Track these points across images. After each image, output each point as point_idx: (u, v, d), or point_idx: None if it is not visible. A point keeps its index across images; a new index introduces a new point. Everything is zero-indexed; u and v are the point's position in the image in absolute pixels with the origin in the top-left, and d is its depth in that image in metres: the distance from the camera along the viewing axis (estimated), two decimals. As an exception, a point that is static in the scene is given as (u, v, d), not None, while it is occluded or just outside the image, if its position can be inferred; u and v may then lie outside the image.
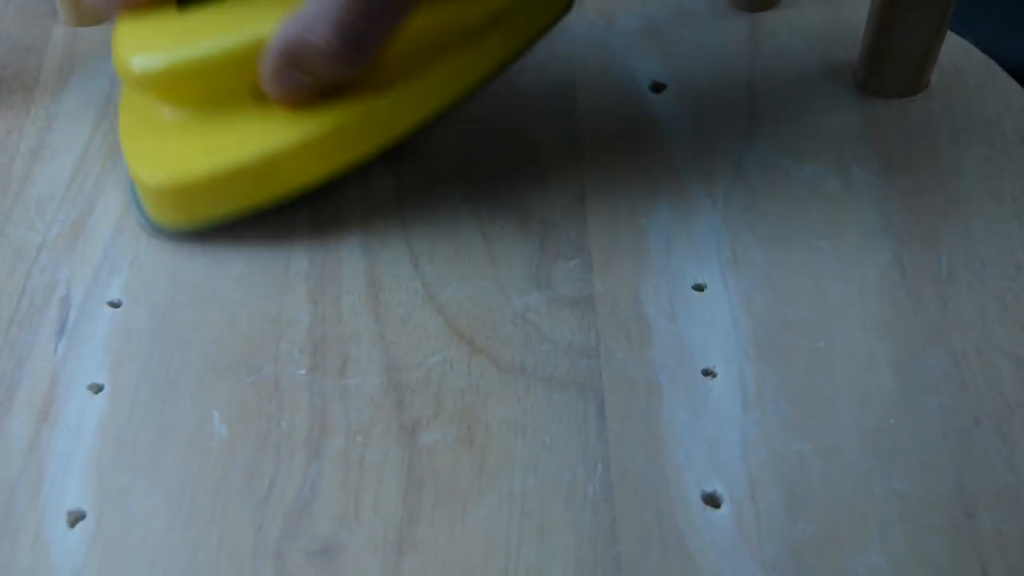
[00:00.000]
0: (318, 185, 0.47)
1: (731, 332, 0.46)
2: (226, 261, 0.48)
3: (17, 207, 0.50)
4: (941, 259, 0.48)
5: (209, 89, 0.46)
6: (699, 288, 0.47)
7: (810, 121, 0.54)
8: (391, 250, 0.48)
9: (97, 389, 0.44)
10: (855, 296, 0.47)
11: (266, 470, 0.42)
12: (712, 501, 0.41)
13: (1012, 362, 0.45)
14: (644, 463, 0.42)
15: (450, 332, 0.46)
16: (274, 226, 0.49)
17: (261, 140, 0.46)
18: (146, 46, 0.45)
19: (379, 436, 0.43)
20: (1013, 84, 0.56)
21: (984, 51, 0.58)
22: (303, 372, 0.44)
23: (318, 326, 0.46)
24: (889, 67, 0.54)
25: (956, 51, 0.57)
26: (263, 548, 0.39)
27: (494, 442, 0.42)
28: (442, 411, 0.43)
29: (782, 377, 0.44)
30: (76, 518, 0.40)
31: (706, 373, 0.45)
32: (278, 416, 0.43)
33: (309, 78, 0.44)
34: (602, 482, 0.41)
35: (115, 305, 0.47)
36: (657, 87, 0.55)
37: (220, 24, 0.45)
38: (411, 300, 0.47)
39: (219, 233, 0.49)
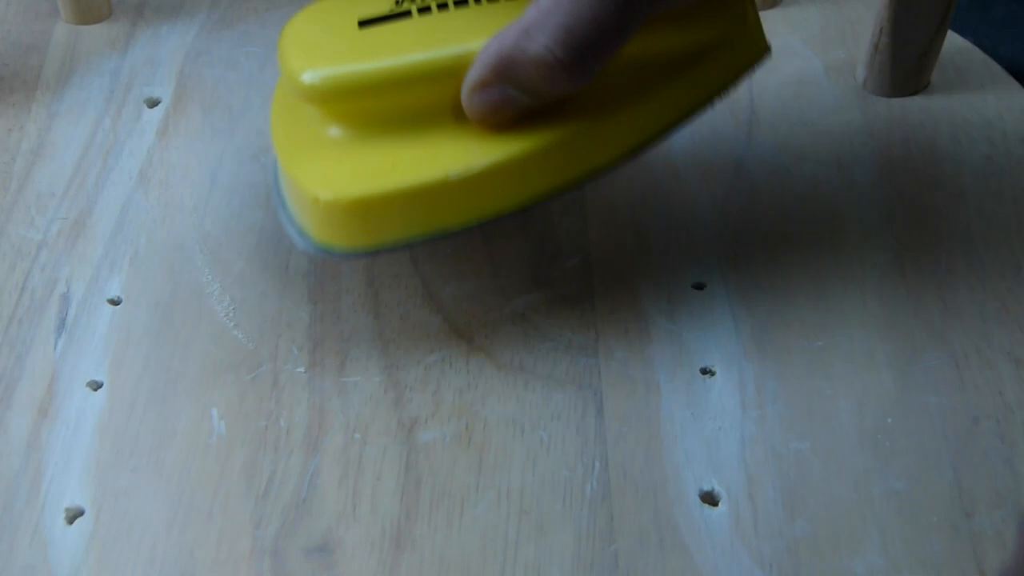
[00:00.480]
0: (504, 214, 0.43)
1: (730, 331, 0.46)
2: (226, 259, 0.48)
3: (18, 205, 0.50)
4: (941, 259, 0.48)
5: (389, 107, 0.42)
6: (699, 287, 0.47)
7: (810, 121, 0.54)
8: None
9: (96, 386, 0.44)
10: (855, 296, 0.47)
11: (264, 467, 0.42)
12: (710, 499, 0.41)
13: (1011, 362, 0.45)
14: (642, 461, 0.42)
15: (449, 330, 0.46)
16: (274, 224, 0.49)
17: (448, 160, 0.42)
18: (322, 57, 0.42)
19: (378, 434, 0.43)
20: (1013, 84, 0.56)
21: (984, 51, 0.58)
22: (302, 370, 0.44)
23: (317, 324, 0.46)
24: (889, 67, 0.54)
25: (956, 51, 0.57)
26: (261, 545, 0.40)
27: (492, 440, 0.42)
28: (440, 409, 0.43)
29: (781, 376, 0.44)
30: (75, 515, 0.40)
31: (705, 372, 0.45)
32: (277, 414, 0.43)
33: (521, 95, 0.40)
34: (600, 480, 0.41)
35: (115, 303, 0.47)
36: (657, 86, 0.55)
37: (402, 38, 0.42)
38: (410, 298, 0.47)
39: (219, 232, 0.49)
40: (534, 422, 0.43)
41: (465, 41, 0.41)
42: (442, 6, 0.42)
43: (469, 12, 0.42)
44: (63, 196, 0.51)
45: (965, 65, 0.57)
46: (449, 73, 0.41)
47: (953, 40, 0.58)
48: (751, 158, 0.52)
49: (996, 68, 0.57)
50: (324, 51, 0.42)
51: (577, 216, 0.50)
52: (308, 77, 0.41)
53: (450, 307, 0.47)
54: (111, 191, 0.51)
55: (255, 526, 0.40)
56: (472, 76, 0.40)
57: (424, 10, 0.42)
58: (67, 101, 0.55)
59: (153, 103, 0.55)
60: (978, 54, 0.58)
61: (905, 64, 0.54)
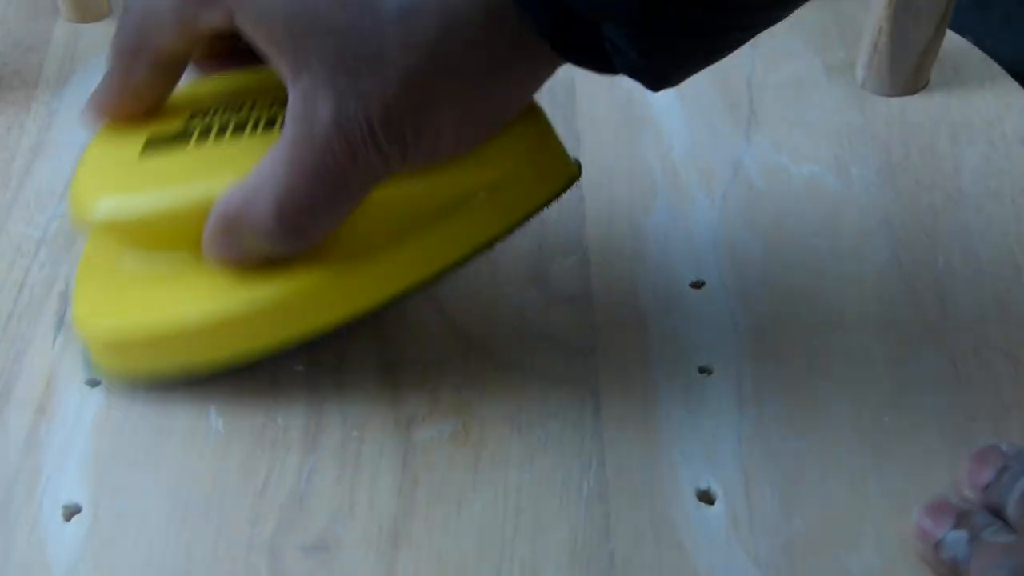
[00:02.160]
0: (271, 355, 0.42)
1: (728, 330, 0.46)
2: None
3: (17, 203, 0.50)
4: (939, 258, 0.48)
5: (163, 240, 0.41)
6: (697, 286, 0.47)
7: (809, 120, 0.54)
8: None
9: (94, 384, 0.44)
10: (853, 295, 0.47)
11: (262, 465, 0.42)
12: (706, 498, 0.41)
13: (1009, 362, 0.45)
14: (639, 460, 0.42)
15: (447, 328, 0.46)
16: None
17: (206, 301, 0.41)
18: (103, 188, 0.41)
19: (375, 432, 0.43)
20: (1013, 84, 0.56)
21: (984, 51, 0.58)
22: (300, 368, 0.44)
23: (316, 322, 0.46)
24: (888, 67, 0.54)
25: (956, 51, 0.57)
26: (258, 542, 0.40)
27: (490, 438, 0.42)
28: (438, 407, 0.43)
29: (778, 375, 0.44)
30: (72, 512, 0.40)
31: (702, 370, 0.45)
32: (274, 411, 0.43)
33: (247, 251, 0.39)
34: (597, 478, 0.41)
35: (114, 300, 0.47)
36: (657, 86, 0.55)
37: (170, 172, 0.40)
38: (408, 296, 0.47)
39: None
40: (531, 420, 0.43)
41: (222, 180, 0.39)
42: (221, 131, 0.40)
43: (240, 144, 0.40)
44: (63, 194, 0.51)
45: (965, 65, 0.57)
46: (201, 215, 0.39)
47: (953, 40, 0.58)
48: (750, 157, 0.53)
49: (996, 68, 0.57)
50: (102, 175, 0.41)
51: (575, 214, 0.50)
52: (75, 201, 0.41)
53: (448, 305, 0.47)
54: (111, 189, 0.51)
55: (252, 524, 0.40)
56: (207, 232, 0.39)
57: (204, 134, 0.40)
58: (67, 99, 0.55)
59: (153, 102, 0.55)
60: (978, 54, 0.58)
61: (904, 64, 0.54)
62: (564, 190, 0.42)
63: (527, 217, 0.41)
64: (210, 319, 0.41)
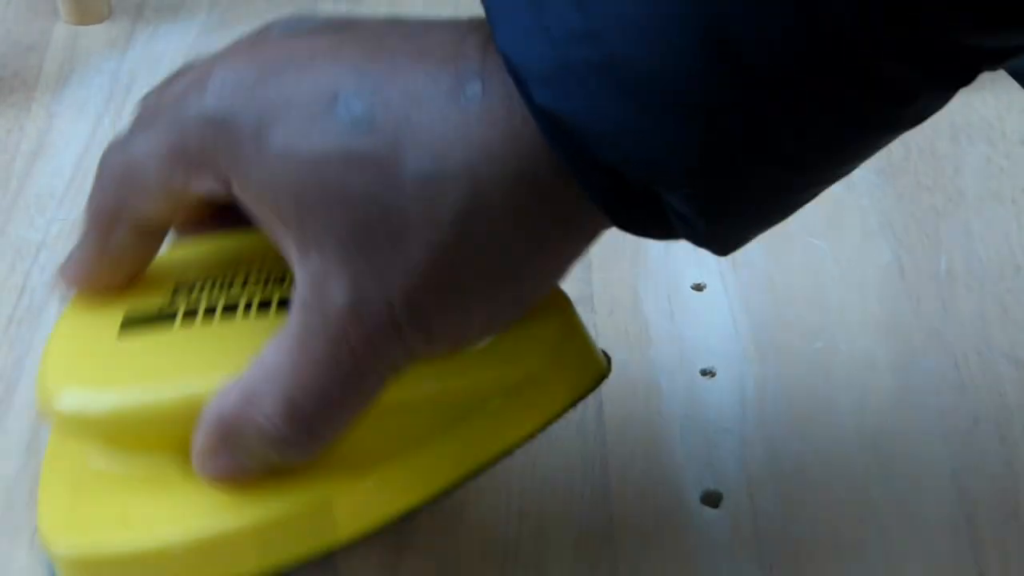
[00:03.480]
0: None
1: (730, 332, 0.46)
2: (226, 260, 0.48)
3: (18, 205, 0.50)
4: (940, 260, 0.49)
5: (140, 440, 0.35)
6: (698, 288, 0.47)
7: (810, 121, 0.54)
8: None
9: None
10: (854, 297, 0.47)
11: (264, 469, 0.42)
12: (710, 501, 0.41)
13: (1011, 364, 0.45)
14: (642, 463, 0.42)
15: (449, 331, 0.46)
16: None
17: (192, 516, 0.34)
18: (73, 376, 0.35)
19: (377, 435, 0.42)
20: (1013, 84, 0.56)
21: (985, 52, 0.58)
22: (302, 371, 0.44)
23: (317, 325, 0.46)
24: (889, 67, 0.54)
25: (957, 52, 0.57)
26: (261, 547, 0.39)
27: (492, 441, 0.42)
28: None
29: (781, 377, 0.44)
30: (74, 516, 0.40)
31: (705, 373, 0.45)
32: (277, 415, 0.43)
33: (249, 461, 0.33)
34: (600, 482, 0.41)
35: (115, 303, 0.47)
36: (657, 87, 0.55)
37: (163, 363, 0.35)
38: (410, 299, 0.47)
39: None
40: (534, 423, 0.43)
41: (208, 380, 0.34)
42: (209, 312, 0.35)
43: (232, 330, 0.35)
44: (63, 197, 0.51)
45: (965, 65, 0.57)
46: (186, 414, 0.34)
47: (953, 40, 0.58)
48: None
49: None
50: (73, 359, 0.36)
51: (577, 217, 0.50)
52: (41, 387, 0.35)
53: (450, 308, 0.46)
54: (111, 192, 0.51)
55: (255, 527, 0.40)
56: (198, 441, 0.33)
57: (190, 315, 0.35)
58: (67, 101, 0.55)
59: (153, 103, 0.55)
60: (978, 54, 0.58)
61: (905, 64, 0.54)
62: (592, 390, 0.37)
63: (550, 421, 0.36)
64: (197, 539, 0.34)
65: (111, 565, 0.35)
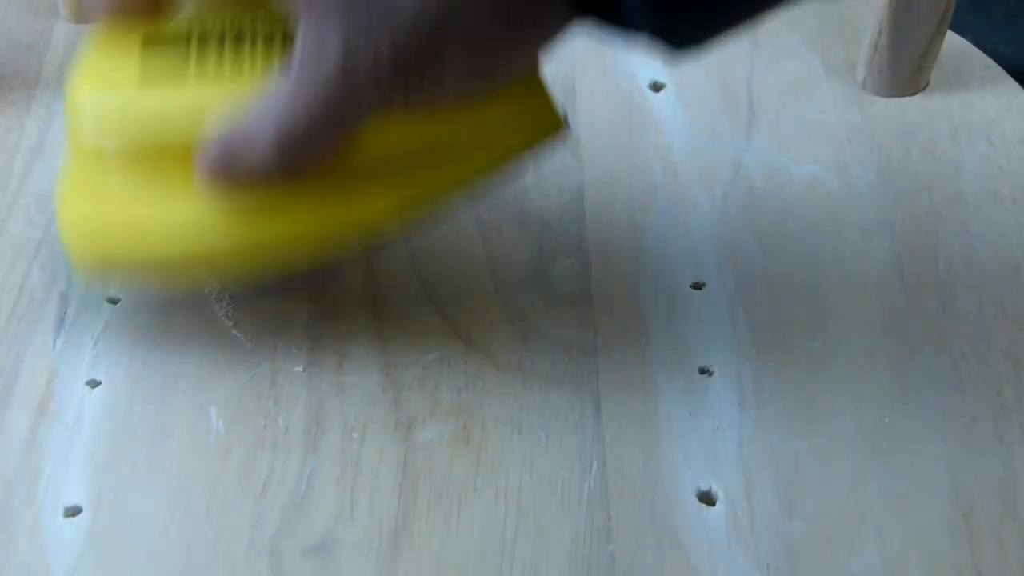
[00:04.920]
0: (245, 269, 0.42)
1: (729, 331, 0.46)
2: (225, 258, 0.48)
3: (17, 204, 0.50)
4: (939, 259, 0.48)
5: (150, 162, 0.41)
6: (697, 287, 0.47)
7: (809, 121, 0.54)
8: (390, 248, 0.48)
9: (95, 385, 0.44)
10: (853, 296, 0.47)
11: (262, 467, 0.42)
12: (707, 499, 0.41)
13: (1010, 363, 0.45)
14: (640, 461, 0.42)
15: (448, 330, 0.46)
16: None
17: (186, 233, 0.41)
18: (96, 80, 0.41)
19: (375, 433, 0.43)
20: (1013, 84, 0.56)
21: (984, 51, 0.58)
22: (300, 369, 0.44)
23: (316, 323, 0.46)
24: (889, 67, 0.54)
25: (956, 51, 0.57)
26: (259, 544, 0.40)
27: (490, 440, 0.42)
28: (439, 408, 0.43)
29: (779, 376, 0.44)
30: (73, 513, 0.40)
31: (703, 372, 0.45)
32: (275, 413, 0.43)
33: (243, 180, 0.40)
34: (598, 480, 0.41)
35: (114, 302, 0.47)
36: (656, 87, 0.56)
37: (179, 97, 0.40)
38: (409, 298, 0.47)
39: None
40: (532, 422, 0.43)
41: (218, 92, 0.40)
42: (221, 40, 0.41)
43: (239, 60, 0.40)
44: (63, 195, 0.51)
45: (965, 65, 0.57)
46: (195, 126, 0.40)
47: (953, 40, 0.58)
48: (750, 158, 0.52)
49: (996, 68, 0.57)
50: (102, 72, 0.41)
51: (575, 216, 0.50)
52: (71, 95, 0.41)
53: (449, 306, 0.47)
54: (111, 190, 0.51)
55: (253, 525, 0.40)
56: (199, 159, 0.40)
57: (203, 40, 0.41)
58: (67, 100, 0.55)
59: (153, 102, 0.55)
60: (978, 54, 0.58)
61: (904, 64, 0.54)
62: (548, 140, 0.42)
63: (510, 162, 0.42)
64: (198, 250, 0.41)
65: (125, 268, 0.42)
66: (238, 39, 0.41)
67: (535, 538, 0.40)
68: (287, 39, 0.40)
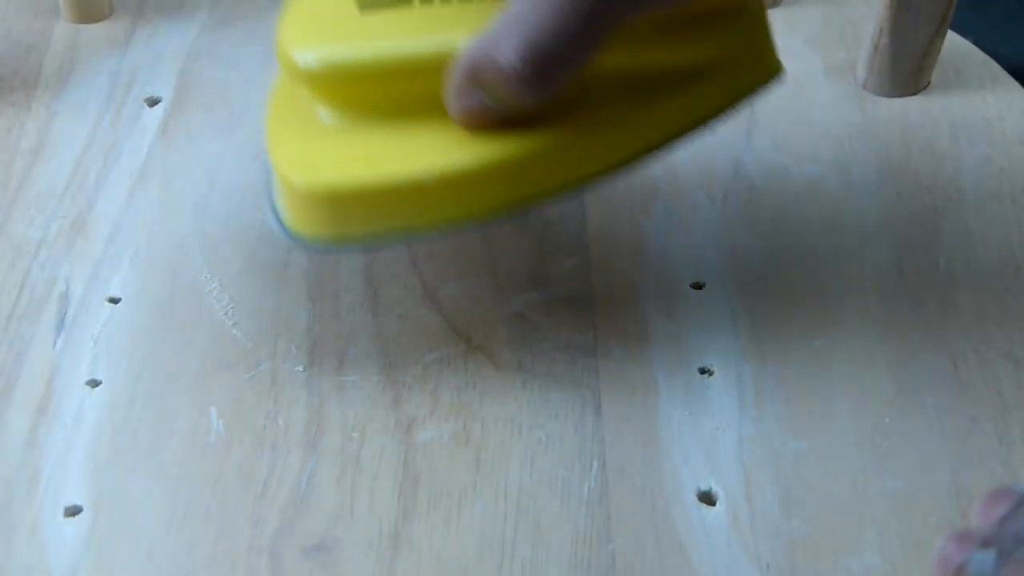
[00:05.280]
0: (486, 219, 0.41)
1: (729, 331, 0.46)
2: (226, 258, 0.48)
3: (18, 203, 0.50)
4: (940, 259, 0.48)
5: (382, 95, 0.41)
6: (697, 287, 0.47)
7: (810, 121, 0.54)
8: (390, 248, 0.48)
9: (95, 385, 0.44)
10: (853, 295, 0.47)
11: (262, 466, 0.42)
12: (707, 499, 0.41)
13: (1010, 363, 0.45)
14: (640, 461, 0.42)
15: (448, 330, 0.46)
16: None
17: (431, 157, 0.40)
18: (317, 38, 0.41)
19: (375, 433, 0.43)
20: (1013, 84, 0.56)
21: (984, 51, 0.58)
22: (300, 369, 0.44)
23: (316, 323, 0.46)
24: (889, 67, 0.54)
25: (956, 51, 0.57)
26: (259, 543, 0.40)
27: (490, 439, 0.42)
28: (439, 408, 0.43)
29: (779, 376, 0.44)
30: (73, 512, 0.40)
31: (703, 372, 0.45)
32: (275, 412, 0.43)
33: (492, 102, 0.39)
34: (598, 480, 0.41)
35: (114, 301, 0.47)
36: (657, 86, 0.55)
37: (402, 25, 0.41)
38: (409, 297, 0.47)
39: (219, 231, 0.49)
40: (532, 422, 0.43)
41: (456, 34, 0.39)
42: None
43: (471, 5, 0.41)
44: (63, 195, 0.51)
45: (965, 65, 0.57)
46: (439, 68, 0.39)
47: (953, 40, 0.58)
48: (750, 158, 0.53)
49: (996, 68, 0.57)
50: (318, 31, 0.41)
51: (576, 216, 0.50)
52: (299, 56, 0.41)
53: (449, 306, 0.47)
54: (111, 190, 0.51)
55: (253, 525, 0.40)
56: (450, 80, 0.39)
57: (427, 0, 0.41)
58: (67, 100, 0.55)
59: (153, 102, 0.55)
60: (978, 54, 0.58)
61: (905, 64, 0.54)
62: (771, 81, 0.43)
63: (738, 101, 0.42)
64: (442, 171, 0.40)
65: (365, 198, 0.41)
66: None
67: (535, 538, 0.40)
68: None
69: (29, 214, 0.50)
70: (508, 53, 0.37)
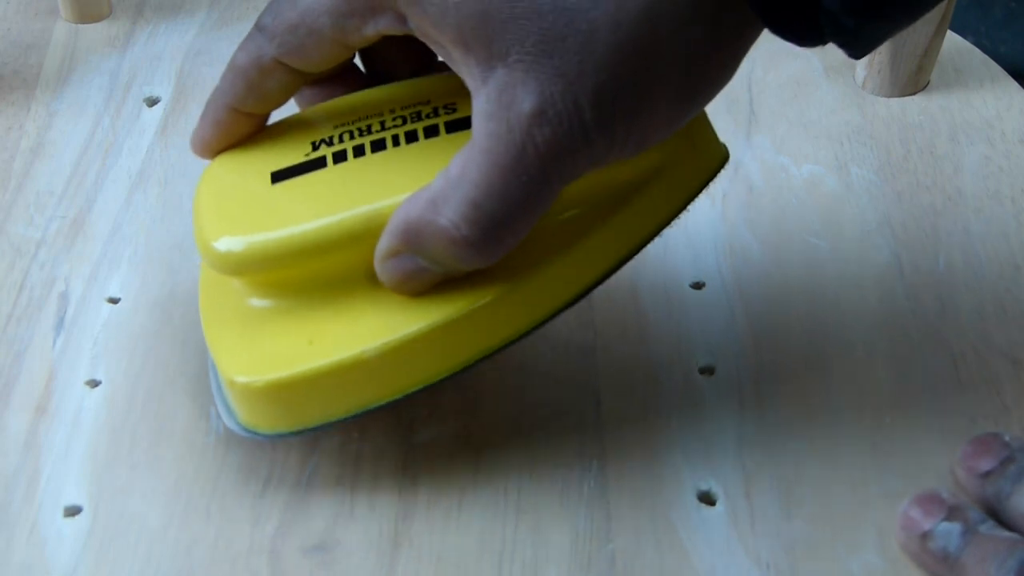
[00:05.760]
0: (441, 380, 0.39)
1: (728, 330, 0.46)
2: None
3: (17, 203, 0.50)
4: (939, 258, 0.48)
5: (310, 273, 0.38)
6: (697, 286, 0.47)
7: (809, 120, 0.54)
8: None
9: (94, 385, 0.44)
10: (853, 295, 0.47)
11: (262, 466, 0.42)
12: (707, 499, 0.41)
13: (1009, 362, 0.45)
14: (640, 460, 0.42)
15: (447, 329, 0.46)
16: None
17: (373, 330, 0.38)
18: (235, 224, 0.38)
19: (376, 432, 0.43)
20: (1013, 84, 0.56)
21: (984, 51, 0.58)
22: (300, 368, 0.44)
23: (316, 323, 0.46)
24: (889, 67, 0.54)
25: (956, 51, 0.57)
26: (258, 543, 0.39)
27: (490, 439, 0.42)
28: (439, 408, 0.43)
29: (779, 375, 0.44)
30: (72, 513, 0.40)
31: (703, 371, 0.45)
32: (275, 412, 0.43)
33: (431, 266, 0.36)
34: (598, 479, 0.41)
35: (114, 301, 0.47)
36: (657, 86, 0.55)
37: (320, 193, 0.38)
38: (409, 297, 0.47)
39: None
40: (532, 421, 0.43)
41: (380, 198, 0.37)
42: (358, 151, 0.38)
43: (387, 159, 0.38)
44: (62, 195, 0.51)
45: (965, 65, 0.57)
46: (365, 236, 0.37)
47: (953, 40, 0.58)
48: (750, 157, 0.53)
49: (996, 68, 0.57)
50: (235, 214, 0.38)
51: (576, 215, 0.50)
52: (219, 246, 0.38)
53: (448, 306, 0.46)
54: (110, 190, 0.51)
55: (253, 525, 0.40)
56: (382, 245, 0.37)
57: (340, 156, 0.38)
58: (67, 100, 0.55)
59: (153, 102, 0.55)
60: (978, 54, 0.58)
61: (905, 64, 0.54)
62: (719, 169, 0.40)
63: (689, 200, 0.40)
64: (384, 343, 0.37)
65: (306, 384, 0.38)
66: (366, 132, 0.39)
67: (535, 537, 0.40)
68: (426, 116, 0.39)
69: (28, 214, 0.50)
70: (453, 217, 0.35)
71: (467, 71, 0.34)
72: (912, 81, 0.55)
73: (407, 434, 0.42)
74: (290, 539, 0.40)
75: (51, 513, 0.40)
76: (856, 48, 0.34)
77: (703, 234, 0.49)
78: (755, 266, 0.48)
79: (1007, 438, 0.40)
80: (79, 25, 0.59)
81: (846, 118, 0.54)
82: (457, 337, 0.38)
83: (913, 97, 0.55)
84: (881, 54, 0.54)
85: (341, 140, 0.39)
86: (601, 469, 0.42)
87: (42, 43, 0.58)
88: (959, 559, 0.37)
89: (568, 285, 0.39)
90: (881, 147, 0.53)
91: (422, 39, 0.36)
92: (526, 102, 0.33)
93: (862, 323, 0.46)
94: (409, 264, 0.36)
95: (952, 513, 0.38)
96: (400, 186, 0.37)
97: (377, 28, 0.36)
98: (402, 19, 0.35)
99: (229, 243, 0.38)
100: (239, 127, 0.40)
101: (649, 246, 0.48)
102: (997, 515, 0.39)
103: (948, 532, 0.38)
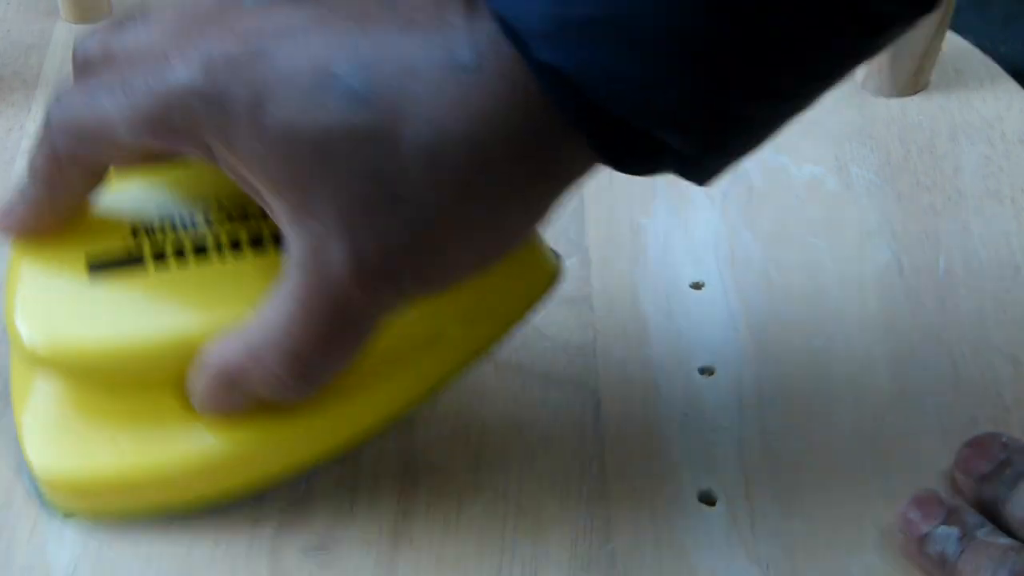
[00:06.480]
0: (254, 492, 0.40)
1: (728, 331, 0.46)
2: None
3: (17, 203, 0.50)
4: (939, 259, 0.48)
5: (117, 377, 0.38)
6: (697, 287, 0.47)
7: (809, 121, 0.54)
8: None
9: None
10: (853, 296, 0.47)
11: (262, 466, 0.42)
12: (707, 499, 0.41)
13: (1009, 362, 0.45)
14: (640, 461, 0.42)
15: (448, 330, 0.46)
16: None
17: (177, 444, 0.38)
18: (46, 311, 0.37)
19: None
20: (1013, 84, 0.56)
21: (984, 51, 0.58)
22: (300, 369, 0.44)
23: (316, 323, 0.46)
24: (889, 67, 0.54)
25: (956, 51, 0.57)
26: (258, 543, 0.39)
27: (490, 439, 0.42)
28: (438, 408, 0.43)
29: (779, 376, 0.44)
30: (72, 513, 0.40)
31: (703, 372, 0.45)
32: (275, 412, 0.43)
33: (247, 400, 0.37)
34: (597, 480, 0.41)
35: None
36: (657, 86, 0.55)
37: (137, 298, 0.37)
38: (409, 297, 0.47)
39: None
40: (532, 421, 0.43)
41: (199, 325, 0.36)
42: (180, 253, 0.37)
43: (207, 275, 0.37)
44: (63, 195, 0.51)
45: (965, 65, 0.57)
46: (182, 358, 0.37)
47: (953, 40, 0.58)
48: (750, 158, 0.52)
49: (995, 68, 0.57)
50: (48, 301, 0.37)
51: (575, 215, 0.50)
52: (26, 333, 0.36)
53: (448, 306, 0.46)
54: (110, 190, 0.51)
55: (252, 524, 0.40)
56: (197, 383, 0.37)
57: (160, 257, 0.37)
58: (67, 100, 0.55)
59: (153, 102, 0.55)
60: (978, 54, 0.58)
61: (905, 64, 0.54)
62: (553, 286, 0.40)
63: (524, 317, 0.40)
64: (186, 459, 0.38)
65: (104, 487, 0.39)
66: (190, 225, 0.38)
67: (535, 537, 0.40)
68: (251, 222, 0.38)
69: (29, 214, 0.50)
70: (275, 368, 0.35)
71: (279, 211, 0.34)
72: (912, 81, 0.55)
73: (407, 434, 0.42)
74: (290, 539, 0.40)
75: (51, 513, 0.40)
76: (700, 178, 0.34)
77: (703, 234, 0.49)
78: (755, 266, 0.48)
79: (1005, 439, 0.40)
80: (79, 25, 0.59)
81: (846, 118, 0.54)
82: (268, 454, 0.39)
83: (913, 97, 0.55)
84: (881, 54, 0.54)
85: (163, 230, 0.38)
86: (601, 469, 0.42)
87: (42, 44, 0.58)
88: (955, 564, 0.37)
89: (389, 404, 0.40)
90: (881, 147, 0.53)
91: (228, 173, 0.35)
92: (339, 256, 0.32)
93: (862, 323, 0.46)
94: (227, 401, 0.37)
95: (950, 516, 0.38)
96: (219, 314, 0.36)
97: (179, 150, 0.34)
98: (208, 151, 0.34)
99: (36, 332, 0.37)
100: (53, 222, 0.38)
101: (649, 246, 0.48)
102: (994, 519, 0.39)
103: (946, 536, 0.38)
